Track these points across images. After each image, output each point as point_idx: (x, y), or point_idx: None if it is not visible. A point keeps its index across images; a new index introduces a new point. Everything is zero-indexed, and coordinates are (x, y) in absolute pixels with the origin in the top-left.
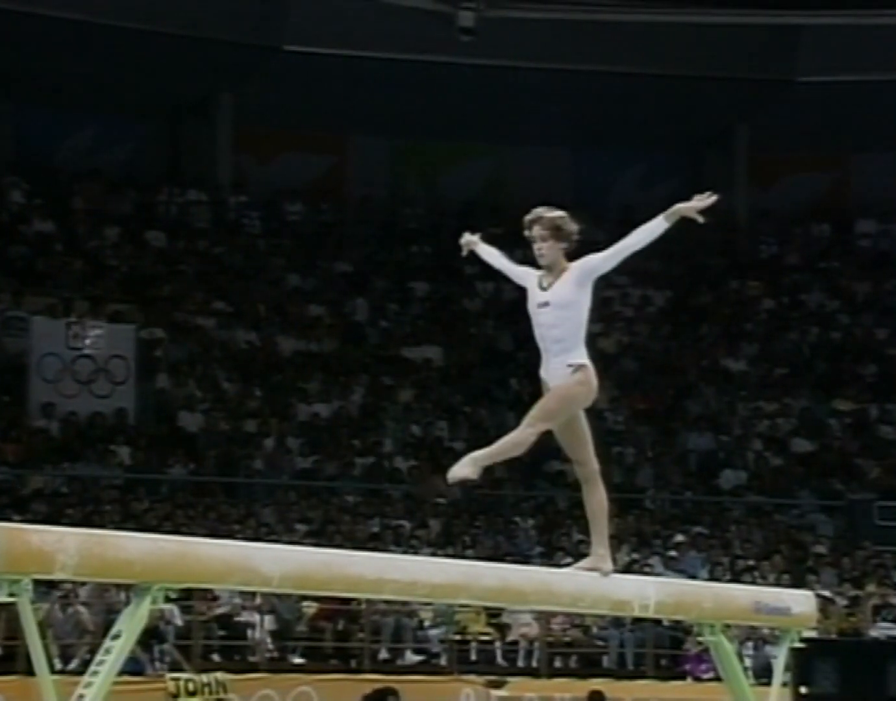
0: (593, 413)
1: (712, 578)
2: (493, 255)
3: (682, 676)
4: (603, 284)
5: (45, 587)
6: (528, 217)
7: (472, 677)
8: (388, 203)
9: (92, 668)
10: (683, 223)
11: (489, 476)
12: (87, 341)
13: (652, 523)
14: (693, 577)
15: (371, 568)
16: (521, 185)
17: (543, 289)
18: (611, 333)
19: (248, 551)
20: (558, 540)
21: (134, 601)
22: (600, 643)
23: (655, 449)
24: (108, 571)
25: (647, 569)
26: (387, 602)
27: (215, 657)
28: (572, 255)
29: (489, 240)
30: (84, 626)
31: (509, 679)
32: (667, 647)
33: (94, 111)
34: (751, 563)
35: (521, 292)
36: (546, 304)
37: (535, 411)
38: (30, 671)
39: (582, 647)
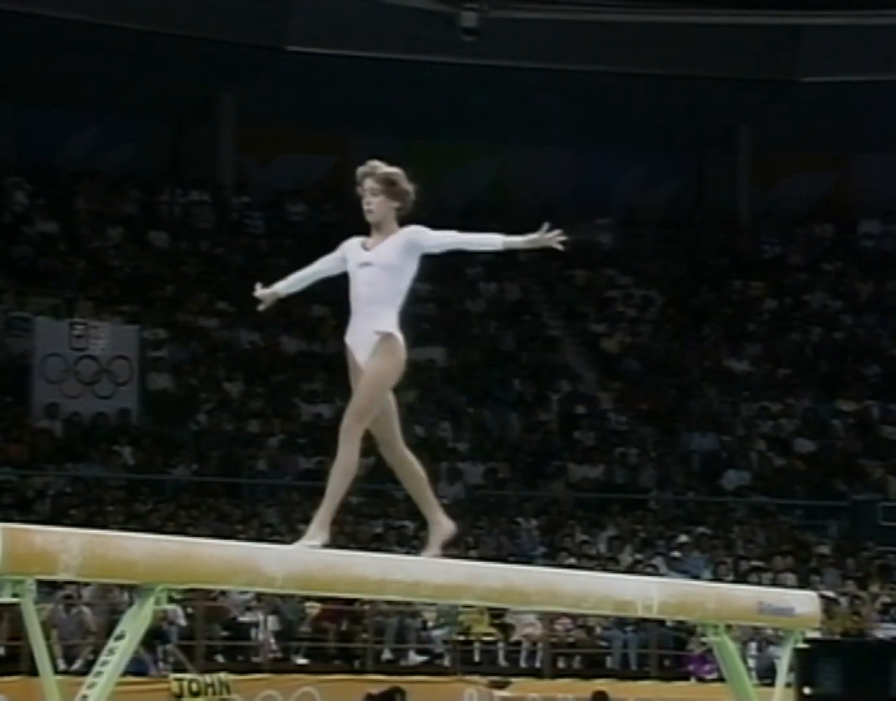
0: (596, 414)
1: (716, 579)
2: (299, 278)
3: (685, 677)
4: (605, 285)
5: (48, 588)
6: (360, 169)
7: (475, 678)
8: None
9: (95, 668)
10: (686, 223)
11: (493, 477)
12: (91, 342)
13: (655, 524)
14: (696, 577)
15: (374, 569)
16: (524, 186)
17: (367, 249)
18: (614, 334)
19: (252, 552)
20: (561, 541)
21: (137, 602)
22: (604, 644)
23: (658, 449)
24: (112, 571)
25: (650, 569)
26: (390, 603)
27: (219, 658)
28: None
29: None
30: (87, 626)
31: (513, 680)
32: (670, 647)
33: (96, 112)
34: (754, 563)
35: (524, 290)
36: (368, 264)
37: (347, 420)
38: (33, 672)
39: (585, 647)
